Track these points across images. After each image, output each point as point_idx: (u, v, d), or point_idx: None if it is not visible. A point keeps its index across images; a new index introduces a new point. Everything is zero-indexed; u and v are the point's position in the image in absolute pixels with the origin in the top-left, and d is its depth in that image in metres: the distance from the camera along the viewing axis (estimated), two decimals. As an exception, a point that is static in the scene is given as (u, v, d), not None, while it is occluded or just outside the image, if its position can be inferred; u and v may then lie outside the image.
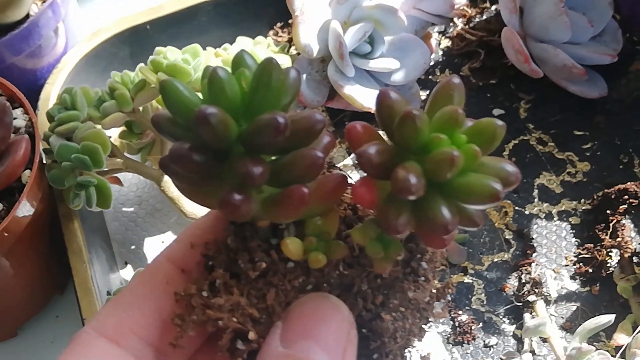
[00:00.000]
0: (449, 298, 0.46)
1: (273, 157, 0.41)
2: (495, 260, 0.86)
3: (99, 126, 0.79)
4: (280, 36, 1.02)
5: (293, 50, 0.98)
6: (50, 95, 0.90)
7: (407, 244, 0.45)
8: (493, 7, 1.06)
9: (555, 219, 0.88)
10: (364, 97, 0.91)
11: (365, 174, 0.41)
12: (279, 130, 0.37)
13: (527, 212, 0.89)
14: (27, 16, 0.88)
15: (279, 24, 1.03)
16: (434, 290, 0.46)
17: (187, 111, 0.39)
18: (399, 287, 0.44)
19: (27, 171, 0.76)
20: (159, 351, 0.44)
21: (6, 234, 0.72)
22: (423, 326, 0.45)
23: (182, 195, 0.44)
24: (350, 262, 0.44)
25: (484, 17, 1.05)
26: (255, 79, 0.39)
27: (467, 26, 1.04)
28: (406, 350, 0.45)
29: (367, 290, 0.44)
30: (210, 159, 0.39)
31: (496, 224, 0.88)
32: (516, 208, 0.90)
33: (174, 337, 0.42)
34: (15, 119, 0.78)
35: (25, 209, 0.74)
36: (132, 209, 0.94)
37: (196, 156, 0.38)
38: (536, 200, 0.90)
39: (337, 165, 0.48)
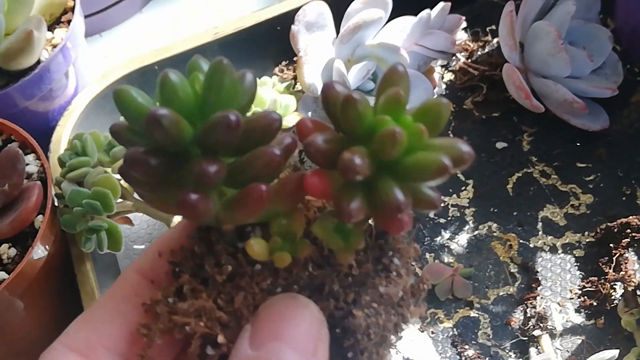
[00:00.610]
0: (424, 294, 0.46)
1: (232, 160, 0.41)
2: (501, 294, 0.87)
3: (109, 170, 0.81)
4: (286, 73, 1.04)
5: (298, 87, 1.00)
6: (61, 137, 0.92)
7: (377, 240, 0.45)
8: (495, 40, 1.07)
9: (559, 251, 0.90)
10: (369, 133, 0.92)
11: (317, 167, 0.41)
12: (230, 127, 0.37)
13: (531, 245, 0.90)
14: (39, 62, 0.90)
15: (284, 62, 1.05)
16: (408, 287, 0.45)
17: (141, 117, 0.38)
18: (370, 284, 0.43)
19: (40, 216, 0.78)
20: None
21: (21, 278, 0.74)
22: (400, 323, 0.44)
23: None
24: (319, 263, 0.44)
25: (486, 50, 1.07)
26: (207, 80, 0.39)
27: (469, 60, 1.05)
28: (383, 348, 0.44)
29: (339, 290, 0.43)
30: (166, 162, 0.39)
31: (501, 258, 0.90)
32: (520, 241, 0.91)
33: (142, 348, 0.42)
34: (27, 164, 0.80)
35: (38, 252, 0.76)
36: (142, 247, 0.96)
37: (152, 160, 0.38)
38: (540, 233, 0.91)
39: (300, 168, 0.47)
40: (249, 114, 0.42)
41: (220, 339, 0.41)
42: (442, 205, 0.94)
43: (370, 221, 0.44)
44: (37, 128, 0.86)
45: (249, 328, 0.41)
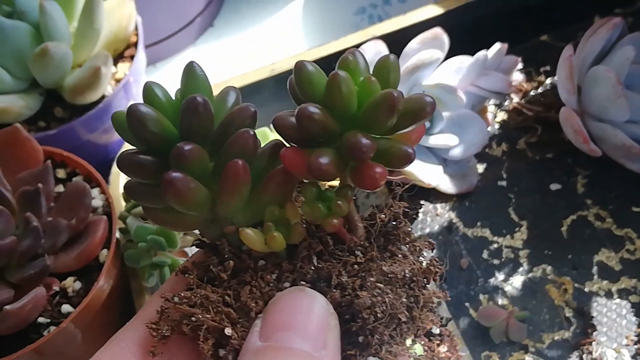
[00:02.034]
0: (437, 277, 0.46)
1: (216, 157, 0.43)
2: (556, 338, 0.87)
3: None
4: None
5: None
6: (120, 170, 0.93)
7: (385, 232, 0.46)
8: (548, 81, 1.07)
9: (615, 296, 0.89)
10: (424, 172, 0.93)
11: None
12: (198, 110, 0.40)
13: (586, 290, 0.90)
14: (103, 96, 0.91)
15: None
16: (418, 268, 0.45)
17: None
18: (375, 267, 0.44)
19: (105, 250, 0.79)
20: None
21: (86, 311, 0.75)
22: (414, 305, 0.44)
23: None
24: (325, 257, 0.45)
25: (539, 90, 1.07)
26: (182, 81, 0.43)
27: (523, 100, 1.06)
28: (397, 333, 0.43)
29: (347, 280, 0.44)
30: (156, 161, 0.41)
31: (556, 301, 0.89)
32: (576, 285, 0.90)
33: (152, 345, 0.43)
34: (93, 198, 0.81)
35: (102, 286, 0.77)
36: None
37: (142, 159, 0.41)
38: (595, 277, 0.91)
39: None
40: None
41: (228, 331, 0.42)
42: (496, 246, 0.94)
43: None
44: (96, 160, 0.88)
45: (259, 323, 0.42)
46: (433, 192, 0.98)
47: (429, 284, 0.45)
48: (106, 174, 0.92)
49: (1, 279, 0.74)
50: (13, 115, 0.87)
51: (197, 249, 0.48)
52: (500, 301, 0.90)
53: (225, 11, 1.32)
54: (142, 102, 0.41)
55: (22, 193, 0.76)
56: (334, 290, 0.43)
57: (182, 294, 0.43)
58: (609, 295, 0.90)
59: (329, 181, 0.43)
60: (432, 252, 0.48)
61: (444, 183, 0.97)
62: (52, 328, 0.75)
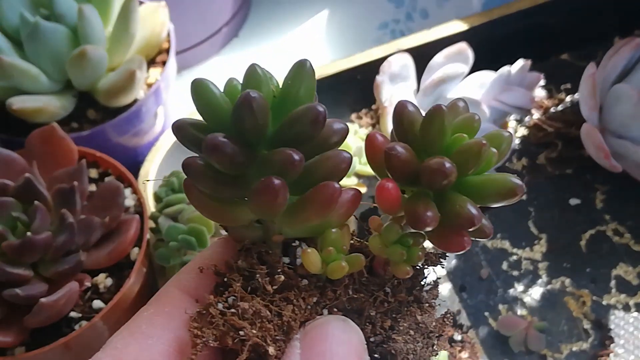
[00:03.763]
0: (448, 330, 0.47)
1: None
2: (574, 349, 0.88)
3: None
4: (364, 120, 1.07)
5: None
6: (148, 172, 0.95)
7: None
8: (568, 99, 1.09)
9: (632, 310, 0.91)
10: (446, 184, 0.95)
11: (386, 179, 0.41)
12: (318, 120, 0.38)
13: (604, 303, 0.91)
14: (135, 100, 0.93)
15: (363, 110, 1.07)
16: (438, 322, 0.46)
17: (218, 107, 0.40)
18: (406, 311, 0.44)
19: (136, 248, 0.81)
20: None
21: (116, 308, 0.77)
22: (432, 353, 0.45)
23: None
24: (358, 288, 0.44)
25: (560, 107, 1.09)
26: (289, 78, 0.40)
27: (543, 116, 1.07)
28: None
29: (375, 315, 0.44)
30: (243, 151, 0.39)
31: (574, 313, 0.91)
32: (594, 298, 0.92)
33: (192, 352, 0.41)
34: (125, 198, 0.83)
35: (132, 284, 0.78)
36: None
37: (230, 147, 0.38)
38: (613, 290, 0.92)
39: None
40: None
41: (272, 350, 0.41)
42: (516, 257, 0.96)
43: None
44: (125, 162, 0.90)
45: (298, 345, 0.41)
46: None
47: (442, 335, 0.46)
48: (134, 175, 0.93)
49: (36, 273, 0.76)
50: (48, 115, 0.89)
51: (218, 240, 0.47)
52: (519, 311, 0.91)
53: (250, 23, 1.34)
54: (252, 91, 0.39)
55: (57, 190, 0.77)
56: (366, 324, 0.44)
57: (241, 305, 0.42)
58: (626, 308, 0.91)
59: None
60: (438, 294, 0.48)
61: (466, 195, 0.99)
62: (83, 323, 0.76)
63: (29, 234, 0.73)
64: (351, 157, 0.41)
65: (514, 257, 0.96)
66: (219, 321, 0.41)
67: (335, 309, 0.44)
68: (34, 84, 0.88)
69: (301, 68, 0.40)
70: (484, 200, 0.40)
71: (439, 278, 0.48)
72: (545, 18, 1.13)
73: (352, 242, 0.45)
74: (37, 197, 0.76)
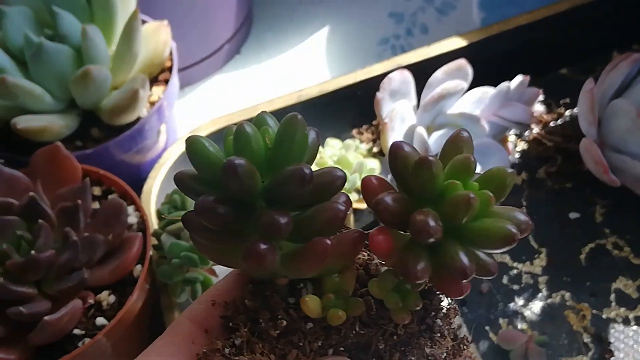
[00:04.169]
0: (465, 355, 0.47)
1: (296, 213, 0.42)
2: (574, 363, 0.89)
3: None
4: (365, 136, 1.07)
5: (375, 149, 1.03)
6: (151, 189, 0.96)
7: (422, 299, 0.44)
8: (567, 113, 1.10)
9: (632, 324, 0.91)
10: (447, 199, 0.96)
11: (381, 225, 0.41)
12: (304, 181, 0.38)
13: (604, 316, 0.92)
14: (138, 118, 0.95)
15: (364, 126, 1.08)
16: (449, 347, 0.46)
17: (212, 166, 0.40)
18: (415, 344, 0.44)
19: (139, 266, 0.82)
20: None
21: (119, 325, 0.77)
22: None
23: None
24: (366, 322, 0.44)
25: (559, 121, 1.10)
26: (279, 134, 0.40)
27: (543, 131, 1.08)
28: None
29: (384, 348, 0.44)
30: (235, 212, 0.40)
31: (574, 327, 0.91)
32: (594, 312, 0.92)
33: None
34: (128, 215, 0.84)
35: (136, 301, 0.79)
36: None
37: (221, 208, 0.39)
38: (613, 304, 0.93)
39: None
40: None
41: None
42: (516, 271, 0.97)
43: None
44: (129, 179, 0.91)
45: None
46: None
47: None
48: (137, 193, 0.94)
49: (39, 291, 0.77)
50: (52, 134, 0.90)
51: (231, 274, 0.48)
52: (519, 325, 0.92)
53: (252, 39, 1.35)
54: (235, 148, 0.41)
55: (61, 208, 0.78)
56: (373, 358, 0.44)
57: (239, 345, 0.43)
58: (626, 322, 0.91)
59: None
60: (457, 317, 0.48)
61: (466, 209, 0.99)
62: (87, 340, 0.77)
63: (33, 252, 0.74)
64: (345, 210, 0.41)
65: (515, 271, 0.97)
66: None
67: (341, 347, 0.44)
68: (38, 104, 0.89)
69: (292, 120, 0.41)
70: (482, 247, 0.40)
71: (453, 303, 0.48)
72: (544, 33, 1.14)
73: (357, 283, 0.46)
74: (41, 216, 0.77)
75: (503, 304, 0.94)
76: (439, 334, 0.45)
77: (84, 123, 0.95)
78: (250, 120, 0.42)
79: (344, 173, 0.42)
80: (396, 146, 0.42)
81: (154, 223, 0.89)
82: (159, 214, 0.86)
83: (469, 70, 1.00)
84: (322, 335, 0.44)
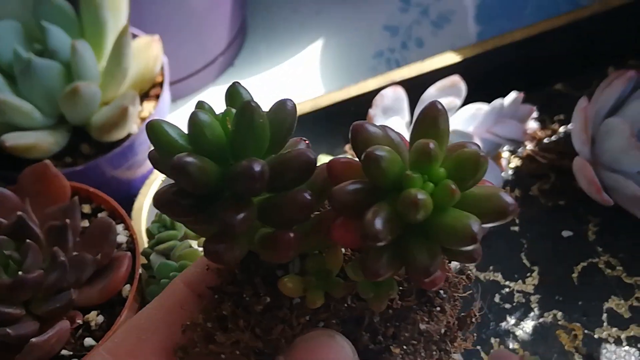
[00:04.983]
0: (473, 327, 0.44)
1: (267, 196, 0.41)
2: (566, 383, 0.88)
3: (194, 244, 0.84)
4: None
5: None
6: (142, 205, 0.95)
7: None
8: (562, 129, 1.10)
9: (624, 344, 0.91)
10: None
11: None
12: (254, 179, 0.36)
13: (596, 337, 0.91)
14: (128, 134, 0.94)
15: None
16: (456, 321, 0.45)
17: (174, 151, 0.38)
18: (411, 319, 0.42)
19: (128, 285, 0.81)
20: None
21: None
22: (443, 357, 0.44)
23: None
24: (359, 296, 0.42)
25: (553, 138, 1.09)
26: (235, 121, 0.39)
27: (537, 147, 1.08)
28: None
29: (379, 322, 0.42)
30: (197, 202, 0.39)
31: (566, 347, 0.91)
32: (585, 331, 0.92)
33: None
34: (117, 234, 0.83)
35: (124, 321, 0.78)
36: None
37: (181, 200, 0.38)
38: (605, 324, 0.92)
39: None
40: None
41: None
42: (508, 290, 0.96)
43: None
44: (119, 196, 0.90)
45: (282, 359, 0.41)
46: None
47: (461, 336, 0.45)
48: (129, 210, 0.94)
49: (27, 311, 0.76)
50: (42, 151, 0.89)
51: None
52: (511, 345, 0.91)
53: (246, 52, 1.35)
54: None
55: (50, 228, 0.78)
56: (364, 332, 0.42)
57: (217, 337, 0.42)
58: (618, 342, 0.91)
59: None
60: (471, 283, 0.46)
61: (458, 227, 0.99)
62: (75, 361, 0.77)
63: (20, 272, 0.73)
64: (311, 200, 0.39)
65: (506, 290, 0.96)
66: (202, 344, 0.42)
67: (333, 320, 0.43)
68: (27, 120, 0.88)
69: (247, 107, 0.38)
70: (445, 244, 0.37)
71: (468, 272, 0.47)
72: (539, 49, 1.14)
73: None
74: (29, 235, 0.76)
75: (495, 323, 0.94)
76: (438, 308, 0.43)
77: (73, 139, 0.94)
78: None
79: (315, 155, 0.40)
80: (358, 126, 0.39)
81: (144, 241, 0.88)
82: (149, 233, 0.86)
83: (463, 87, 0.99)
84: (310, 310, 0.42)
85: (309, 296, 0.41)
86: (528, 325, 0.93)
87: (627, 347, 0.91)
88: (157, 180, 0.98)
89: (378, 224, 0.35)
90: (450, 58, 1.09)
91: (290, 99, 0.41)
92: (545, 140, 1.09)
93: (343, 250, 0.44)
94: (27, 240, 0.75)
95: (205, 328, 0.43)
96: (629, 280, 0.96)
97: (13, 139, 0.87)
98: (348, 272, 0.42)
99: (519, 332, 0.93)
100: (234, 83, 0.41)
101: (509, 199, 0.36)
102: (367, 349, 0.42)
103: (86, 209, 0.88)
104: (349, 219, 0.38)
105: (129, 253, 0.81)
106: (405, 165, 0.37)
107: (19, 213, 0.76)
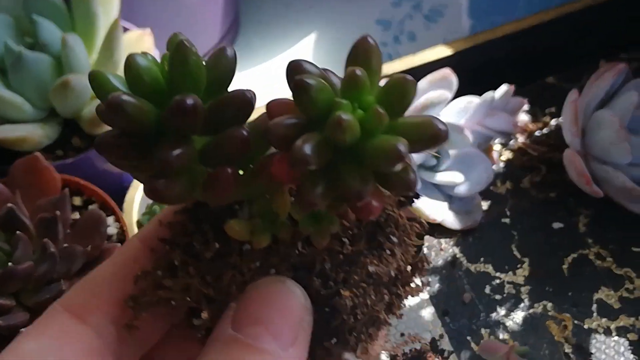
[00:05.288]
0: (425, 273, 0.44)
1: (208, 138, 0.40)
2: (556, 374, 0.88)
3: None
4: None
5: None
6: (133, 198, 0.96)
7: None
8: (553, 122, 1.10)
9: (613, 334, 0.91)
10: (430, 208, 0.96)
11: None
12: (187, 113, 0.36)
13: (586, 327, 0.92)
14: (119, 127, 0.94)
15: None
16: (408, 266, 0.45)
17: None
18: (360, 263, 0.42)
19: (117, 277, 0.81)
20: (122, 329, 0.43)
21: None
22: (395, 302, 0.44)
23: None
24: (310, 241, 0.42)
25: (545, 131, 1.10)
26: (169, 61, 0.38)
27: (528, 140, 1.08)
28: (375, 328, 0.43)
29: (329, 269, 0.42)
30: (139, 146, 0.38)
31: (556, 337, 0.91)
32: (575, 322, 0.92)
33: (129, 319, 0.42)
34: (108, 226, 0.83)
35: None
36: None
37: (122, 143, 0.38)
38: (595, 314, 0.93)
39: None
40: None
41: (204, 315, 0.41)
42: (498, 281, 0.96)
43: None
44: (110, 188, 0.90)
45: (234, 306, 0.41)
46: (438, 227, 1.00)
47: (412, 281, 0.45)
48: (120, 202, 0.94)
49: (17, 302, 0.76)
50: (32, 143, 0.89)
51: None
52: (501, 335, 0.92)
53: (239, 46, 1.35)
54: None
55: (40, 220, 0.78)
56: (315, 278, 0.42)
57: (164, 282, 0.42)
58: (607, 332, 0.91)
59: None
60: (424, 231, 0.46)
61: (449, 219, 0.99)
62: (65, 352, 0.77)
63: (10, 264, 0.74)
64: (248, 136, 0.38)
65: (497, 281, 0.97)
66: (151, 292, 0.42)
67: (284, 268, 0.42)
68: (18, 113, 0.89)
69: (180, 46, 0.37)
70: (376, 167, 0.37)
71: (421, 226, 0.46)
72: (531, 42, 1.14)
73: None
74: (20, 227, 0.76)
75: (485, 314, 0.94)
76: (388, 252, 0.43)
77: (65, 132, 0.94)
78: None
79: (254, 94, 0.39)
80: (294, 63, 0.38)
81: (135, 232, 0.89)
82: (140, 225, 0.86)
83: (454, 80, 1.00)
84: (260, 256, 0.42)
85: (254, 237, 0.41)
86: (518, 316, 0.94)
87: (616, 337, 0.91)
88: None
89: (306, 148, 0.35)
90: (442, 51, 1.09)
91: (230, 47, 0.40)
92: (537, 133, 1.10)
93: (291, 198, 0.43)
94: (17, 232, 0.76)
95: (155, 276, 0.42)
96: (618, 271, 0.97)
97: (4, 132, 0.87)
98: (292, 213, 0.42)
99: (509, 323, 0.93)
100: (174, 33, 0.40)
101: (441, 125, 0.36)
102: (318, 294, 0.42)
103: (77, 201, 0.88)
104: (287, 153, 0.37)
105: (119, 244, 0.81)
106: (337, 96, 0.37)
107: (9, 205, 0.76)
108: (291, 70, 0.38)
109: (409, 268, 0.45)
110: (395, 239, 0.44)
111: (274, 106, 0.39)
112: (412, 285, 0.45)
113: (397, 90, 0.36)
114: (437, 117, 0.37)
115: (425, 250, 0.45)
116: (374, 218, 0.43)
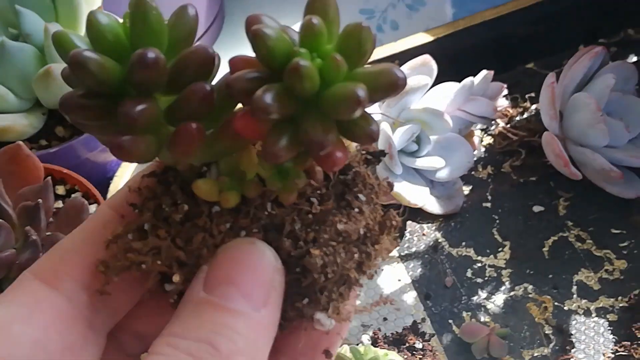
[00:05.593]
0: (394, 231, 0.45)
1: (171, 97, 0.39)
2: (535, 354, 0.90)
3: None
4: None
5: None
6: (118, 187, 0.96)
7: (342, 175, 0.43)
8: (533, 107, 1.11)
9: (593, 315, 0.93)
10: (411, 193, 0.97)
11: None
12: (149, 66, 0.36)
13: (566, 308, 0.93)
14: (102, 116, 0.95)
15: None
16: (374, 224, 0.44)
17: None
18: (329, 221, 0.42)
19: (101, 264, 0.82)
20: (94, 295, 0.43)
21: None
22: (365, 261, 0.43)
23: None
24: (279, 202, 0.42)
25: (525, 116, 1.11)
26: (130, 18, 0.37)
27: (508, 125, 1.09)
28: (346, 287, 0.43)
29: (299, 229, 0.42)
30: (103, 104, 0.37)
31: (536, 319, 0.93)
32: (555, 303, 0.94)
33: (100, 284, 0.42)
34: (90, 214, 0.84)
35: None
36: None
37: (87, 102, 0.37)
38: (575, 296, 0.94)
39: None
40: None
41: (176, 278, 0.41)
42: (480, 265, 0.98)
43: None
44: (95, 177, 0.91)
45: (205, 269, 0.41)
46: (420, 212, 1.01)
47: (383, 238, 0.45)
48: (104, 191, 0.95)
49: (1, 291, 0.77)
50: (16, 133, 0.90)
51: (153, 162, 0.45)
52: (482, 318, 0.93)
53: (224, 36, 1.35)
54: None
55: (22, 208, 0.79)
56: (285, 239, 0.42)
57: (134, 245, 0.42)
58: (587, 313, 0.93)
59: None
60: (391, 191, 0.46)
61: (431, 204, 1.01)
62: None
63: (-8, 251, 0.75)
64: (211, 90, 0.38)
65: (478, 265, 0.98)
66: (121, 255, 0.42)
67: (255, 229, 0.42)
68: (2, 103, 0.89)
69: (140, 2, 0.37)
70: (337, 115, 0.36)
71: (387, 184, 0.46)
72: (510, 28, 1.15)
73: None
74: (2, 215, 0.77)
75: (467, 297, 0.95)
76: (357, 210, 0.43)
77: (49, 122, 0.95)
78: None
79: (214, 51, 0.39)
80: (252, 17, 0.38)
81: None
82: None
83: (434, 66, 1.01)
84: (229, 218, 0.42)
85: (223, 196, 0.41)
86: (499, 298, 0.95)
87: (596, 318, 0.92)
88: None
89: (267, 97, 0.35)
90: (422, 38, 1.10)
91: (191, 5, 0.41)
92: (517, 118, 1.11)
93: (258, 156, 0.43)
94: (0, 220, 0.76)
95: (125, 239, 0.42)
96: (598, 253, 0.98)
97: (-13, 122, 0.88)
98: (260, 172, 0.42)
99: (490, 306, 0.94)
100: None
101: (399, 72, 0.36)
102: (289, 255, 0.42)
103: (60, 190, 0.89)
104: (249, 108, 0.37)
105: (101, 231, 0.82)
106: (296, 46, 0.37)
107: (-8, 194, 0.77)
108: (250, 22, 0.38)
109: (377, 227, 0.45)
110: (363, 197, 0.44)
111: (236, 62, 0.39)
112: (382, 244, 0.45)
113: (354, 38, 0.36)
114: (396, 66, 0.37)
115: (396, 214, 0.45)
116: (338, 170, 0.42)
